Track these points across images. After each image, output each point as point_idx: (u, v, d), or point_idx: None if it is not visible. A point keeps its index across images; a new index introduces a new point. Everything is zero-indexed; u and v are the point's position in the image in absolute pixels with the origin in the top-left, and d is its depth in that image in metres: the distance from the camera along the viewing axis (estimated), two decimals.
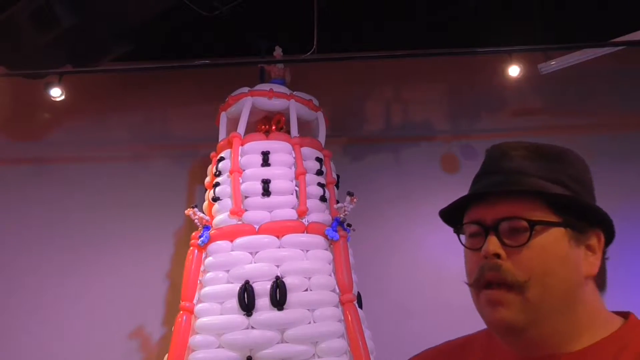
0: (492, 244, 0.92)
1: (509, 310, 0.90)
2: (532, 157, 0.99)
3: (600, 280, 0.97)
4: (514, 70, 3.56)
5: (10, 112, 4.20)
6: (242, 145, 3.39)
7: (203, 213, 3.30)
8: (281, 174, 3.30)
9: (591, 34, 3.56)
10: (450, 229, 1.05)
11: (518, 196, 0.94)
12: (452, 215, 1.03)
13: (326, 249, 3.19)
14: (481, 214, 0.96)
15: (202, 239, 3.18)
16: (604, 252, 0.98)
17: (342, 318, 3.02)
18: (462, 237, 1.01)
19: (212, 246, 3.17)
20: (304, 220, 3.19)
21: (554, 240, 0.93)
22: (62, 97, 3.62)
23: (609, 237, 0.99)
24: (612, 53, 3.62)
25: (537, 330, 0.92)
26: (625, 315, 0.97)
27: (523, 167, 0.97)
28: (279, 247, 3.11)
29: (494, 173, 0.99)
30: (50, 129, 4.23)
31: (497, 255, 0.92)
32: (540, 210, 0.93)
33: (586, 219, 0.96)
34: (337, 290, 3.08)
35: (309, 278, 3.05)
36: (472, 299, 0.97)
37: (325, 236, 3.18)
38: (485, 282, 0.93)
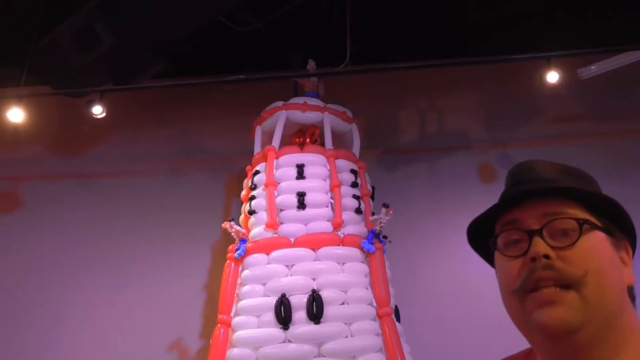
0: (541, 245, 0.87)
1: (565, 309, 0.85)
2: (558, 171, 0.98)
3: (632, 295, 0.94)
4: (552, 77, 3.48)
5: (55, 129, 4.35)
6: (277, 158, 3.41)
7: (240, 226, 3.33)
8: (316, 186, 3.30)
9: (632, 37, 3.45)
10: None
11: (559, 196, 0.91)
12: (480, 232, 0.99)
13: (362, 262, 3.16)
14: (520, 217, 0.92)
15: (238, 252, 3.20)
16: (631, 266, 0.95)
17: (380, 332, 2.98)
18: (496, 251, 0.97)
19: (249, 259, 3.18)
20: (339, 233, 3.18)
21: (600, 242, 0.90)
22: (103, 115, 3.74)
23: (633, 249, 0.97)
24: None
25: (590, 332, 0.86)
26: None
27: (554, 177, 0.95)
28: (315, 260, 3.10)
29: (526, 182, 0.96)
30: (92, 145, 4.37)
31: (547, 257, 0.87)
32: (582, 211, 0.91)
33: (619, 228, 0.94)
34: (374, 304, 3.05)
35: (346, 291, 3.03)
36: (511, 308, 0.92)
37: (361, 249, 3.15)
38: (534, 284, 0.87)
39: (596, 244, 0.89)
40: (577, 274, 0.85)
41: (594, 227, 0.89)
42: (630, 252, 0.95)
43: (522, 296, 0.89)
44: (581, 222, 0.88)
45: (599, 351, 0.87)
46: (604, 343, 0.87)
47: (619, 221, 0.93)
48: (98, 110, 3.70)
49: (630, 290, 0.93)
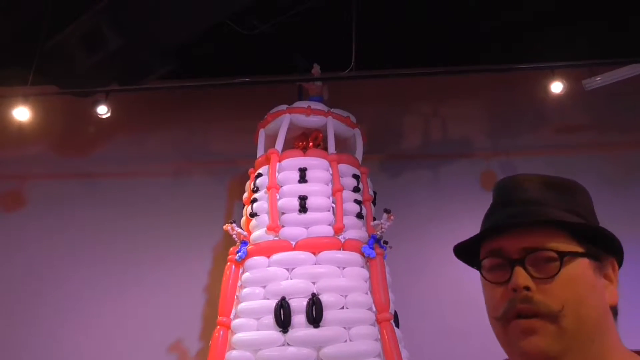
0: (521, 276, 0.90)
1: (544, 338, 0.88)
2: (545, 188, 0.97)
3: (615, 311, 0.96)
4: (556, 87, 3.48)
5: (60, 129, 4.38)
6: (279, 161, 3.42)
7: (241, 228, 3.34)
8: (318, 190, 3.31)
9: (638, 49, 3.46)
10: None
11: (542, 227, 0.92)
12: (467, 250, 1.01)
13: (362, 267, 3.16)
14: (504, 245, 0.94)
15: (239, 254, 3.21)
16: (617, 280, 0.97)
17: (379, 337, 2.98)
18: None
19: (250, 262, 3.19)
20: (340, 237, 3.19)
21: (581, 270, 0.91)
22: (108, 115, 3.76)
23: (620, 264, 0.98)
24: None
25: (570, 358, 0.89)
26: None
27: (539, 198, 0.96)
28: (315, 264, 3.11)
29: (510, 204, 0.97)
30: (97, 145, 4.39)
31: (527, 288, 0.90)
32: (566, 241, 0.92)
33: (603, 248, 0.95)
34: (374, 309, 3.05)
35: (345, 296, 3.03)
36: (496, 332, 0.95)
37: (362, 253, 3.16)
38: (516, 314, 0.90)
39: (577, 274, 0.91)
40: (555, 309, 0.88)
41: (577, 255, 0.91)
42: (617, 268, 0.97)
43: (504, 323, 0.92)
44: (562, 254, 0.90)
45: None
46: None
47: (603, 244, 0.95)
48: (103, 110, 3.72)
49: (613, 307, 0.95)
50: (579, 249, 0.92)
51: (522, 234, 0.92)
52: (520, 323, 0.90)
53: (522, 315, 0.90)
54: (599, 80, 3.57)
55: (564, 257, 0.90)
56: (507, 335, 0.92)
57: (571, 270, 0.90)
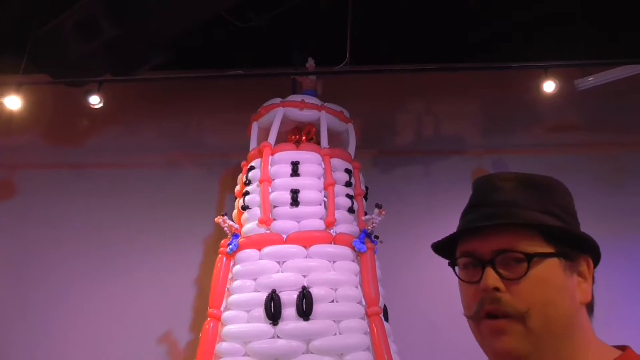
0: (491, 277, 0.93)
1: (512, 338, 0.91)
2: (521, 188, 0.99)
3: (590, 307, 0.98)
4: (549, 86, 3.50)
5: (52, 118, 4.34)
6: (272, 154, 3.43)
7: (232, 221, 3.34)
8: (310, 184, 3.32)
9: (630, 50, 3.48)
10: None
11: (512, 228, 0.94)
12: (445, 248, 1.03)
13: (353, 261, 3.18)
14: (476, 247, 0.96)
15: (230, 246, 3.22)
16: (593, 277, 0.98)
17: (368, 331, 3.00)
18: (456, 268, 1.01)
19: (241, 254, 3.20)
20: (331, 231, 3.20)
21: (550, 271, 0.93)
22: (101, 105, 3.74)
23: (596, 262, 1.00)
24: None
25: (539, 357, 0.92)
26: (622, 348, 0.96)
27: (513, 199, 0.97)
28: (306, 257, 3.12)
29: (485, 205, 0.99)
30: (88, 136, 4.36)
31: (496, 289, 0.92)
32: (535, 241, 0.94)
33: (577, 247, 0.97)
34: (364, 303, 3.07)
35: (336, 289, 3.05)
36: (472, 330, 0.98)
37: (353, 248, 3.17)
38: (486, 314, 0.93)
39: (546, 274, 0.92)
40: (521, 309, 0.91)
41: (546, 256, 0.93)
42: (592, 265, 0.99)
43: (477, 322, 0.95)
44: (530, 256, 0.92)
45: None
46: None
47: (575, 243, 0.97)
48: (95, 101, 3.70)
49: (586, 304, 0.97)
50: (549, 250, 0.94)
51: (493, 235, 0.95)
52: (489, 323, 0.93)
53: (491, 315, 0.92)
54: (591, 80, 3.60)
55: (532, 258, 0.92)
56: (479, 334, 0.95)
57: (540, 271, 0.92)
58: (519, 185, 0.99)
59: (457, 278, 1.02)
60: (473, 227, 0.97)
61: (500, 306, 0.92)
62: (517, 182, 1.00)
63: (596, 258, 1.00)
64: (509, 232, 0.94)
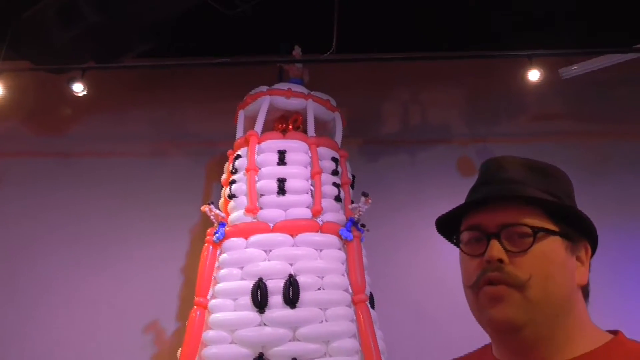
0: (496, 249, 0.95)
1: (510, 306, 0.93)
2: (528, 169, 1.02)
3: (585, 291, 1.01)
4: (534, 75, 3.53)
5: (33, 106, 4.28)
6: (259, 143, 3.41)
7: (219, 210, 3.33)
8: (297, 173, 3.32)
9: (614, 39, 3.52)
10: None
11: (519, 204, 0.97)
12: (448, 224, 1.06)
13: (340, 249, 3.20)
14: (482, 220, 0.98)
15: (217, 235, 3.21)
16: (589, 264, 1.01)
17: (354, 318, 3.03)
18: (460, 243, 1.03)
19: (227, 243, 3.20)
20: (318, 220, 3.21)
21: (553, 248, 0.96)
22: (84, 93, 3.69)
23: (593, 250, 1.03)
24: (634, 59, 3.57)
25: (534, 330, 0.93)
26: (614, 332, 0.99)
27: (519, 178, 1.00)
28: (293, 246, 3.13)
29: (493, 183, 1.01)
30: (72, 124, 4.31)
31: (500, 260, 0.94)
32: (540, 218, 0.96)
33: (578, 231, 0.99)
34: (350, 290, 3.09)
35: (322, 277, 3.06)
36: (469, 301, 1.00)
37: (339, 236, 3.19)
38: (487, 281, 0.95)
39: (548, 250, 0.95)
40: (522, 278, 0.93)
41: (550, 233, 0.96)
42: (590, 251, 1.02)
43: (476, 291, 0.97)
44: (536, 230, 0.94)
45: (544, 347, 0.94)
46: (548, 340, 0.94)
47: (577, 225, 0.99)
48: (79, 88, 3.65)
49: (585, 287, 1.00)
50: (553, 228, 0.97)
51: (499, 210, 0.97)
52: (488, 289, 0.95)
53: (492, 282, 0.94)
54: (575, 69, 3.64)
55: (537, 232, 0.95)
56: (477, 302, 0.97)
57: (543, 246, 0.95)
58: (524, 167, 1.02)
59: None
60: (481, 200, 0.99)
61: (502, 274, 0.94)
62: (522, 165, 1.03)
63: (594, 246, 1.02)
64: (515, 207, 0.97)
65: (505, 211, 0.96)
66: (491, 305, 0.94)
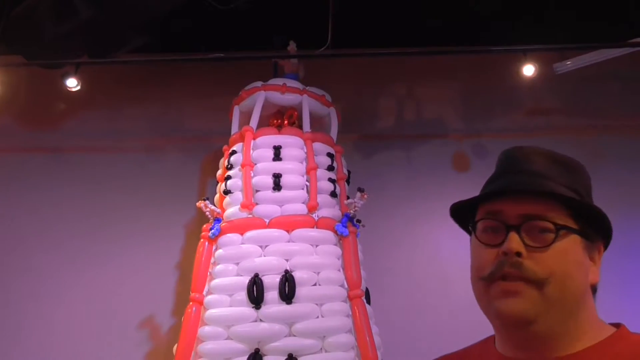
0: (515, 241, 0.92)
1: (524, 301, 0.91)
2: (551, 163, 1.00)
3: (594, 288, 1.01)
4: (528, 70, 3.53)
5: (27, 101, 4.25)
6: (254, 139, 3.41)
7: (214, 206, 3.32)
8: (292, 168, 3.32)
9: (608, 34, 3.53)
10: (458, 227, 1.06)
11: (543, 198, 0.95)
12: (463, 211, 1.03)
13: (335, 244, 3.20)
14: (503, 209, 0.96)
15: (212, 231, 3.21)
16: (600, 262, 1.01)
17: (350, 313, 3.03)
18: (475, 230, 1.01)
19: (223, 239, 3.19)
20: (314, 215, 3.21)
21: (573, 246, 0.95)
22: (78, 88, 3.66)
23: (606, 248, 1.03)
24: (629, 54, 3.58)
25: (545, 325, 0.92)
26: (617, 325, 1.00)
27: (545, 171, 0.98)
28: (289, 242, 3.13)
29: (517, 173, 0.99)
30: (66, 119, 4.28)
31: (519, 254, 0.92)
32: (563, 215, 0.95)
33: (596, 231, 0.99)
34: (346, 286, 3.10)
35: (318, 273, 3.07)
36: (477, 292, 0.98)
37: (335, 231, 3.19)
38: (502, 276, 0.93)
39: (568, 248, 0.94)
40: (541, 276, 0.91)
41: (571, 231, 0.94)
42: (602, 251, 1.02)
43: (489, 283, 0.94)
44: (559, 227, 0.93)
45: (554, 342, 0.94)
46: (558, 336, 0.94)
47: (596, 226, 0.99)
48: (73, 84, 3.62)
49: (594, 285, 1.00)
50: (575, 226, 0.95)
51: (523, 201, 0.95)
52: (504, 284, 0.92)
53: (508, 278, 0.92)
54: (569, 64, 3.64)
55: (560, 230, 0.93)
56: (488, 294, 0.95)
57: (564, 244, 0.94)
58: (549, 160, 1.01)
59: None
60: (507, 189, 0.96)
61: (520, 271, 0.91)
62: (547, 157, 1.01)
63: (607, 245, 1.03)
64: (539, 200, 0.94)
65: (529, 204, 0.94)
66: (503, 299, 0.92)
